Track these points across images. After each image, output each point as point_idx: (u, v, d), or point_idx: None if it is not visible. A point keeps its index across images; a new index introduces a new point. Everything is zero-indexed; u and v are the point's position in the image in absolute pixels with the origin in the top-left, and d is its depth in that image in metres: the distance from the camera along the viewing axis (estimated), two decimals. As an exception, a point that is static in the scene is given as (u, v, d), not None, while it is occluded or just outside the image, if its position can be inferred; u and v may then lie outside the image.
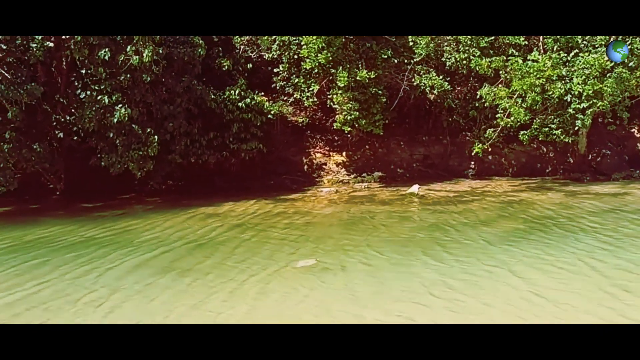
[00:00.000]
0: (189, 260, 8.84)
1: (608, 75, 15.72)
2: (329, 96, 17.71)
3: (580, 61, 16.10)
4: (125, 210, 14.08)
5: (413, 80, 17.80)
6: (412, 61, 17.76)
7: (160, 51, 14.43)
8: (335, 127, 17.97)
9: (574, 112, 16.20)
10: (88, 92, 14.32)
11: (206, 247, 9.73)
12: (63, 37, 14.23)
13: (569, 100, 16.27)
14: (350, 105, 16.89)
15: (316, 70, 17.08)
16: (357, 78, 16.39)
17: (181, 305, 6.67)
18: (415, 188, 15.83)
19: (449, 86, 17.77)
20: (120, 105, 14.09)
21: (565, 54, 16.51)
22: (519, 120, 16.31)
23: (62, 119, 15.20)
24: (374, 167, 19.19)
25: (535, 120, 16.91)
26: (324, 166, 19.24)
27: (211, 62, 17.18)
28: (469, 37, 17.07)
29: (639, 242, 9.08)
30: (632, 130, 20.23)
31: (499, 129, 17.28)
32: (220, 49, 17.66)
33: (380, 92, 16.97)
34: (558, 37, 16.59)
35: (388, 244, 9.59)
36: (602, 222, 10.89)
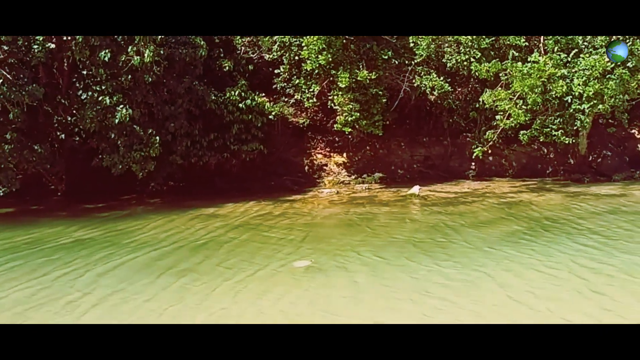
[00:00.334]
0: (189, 260, 8.88)
1: (608, 76, 15.72)
2: (329, 97, 17.74)
3: (580, 62, 16.11)
4: (127, 211, 14.12)
5: (414, 81, 17.80)
6: (412, 62, 17.76)
7: (162, 52, 14.44)
8: (335, 129, 18.00)
9: (574, 112, 16.20)
10: (89, 93, 14.33)
11: (206, 248, 9.77)
12: (64, 38, 14.26)
13: (569, 101, 16.28)
14: (351, 106, 16.92)
15: (317, 72, 17.11)
16: (358, 78, 16.42)
17: (173, 305, 6.74)
18: (416, 189, 15.85)
19: (449, 87, 17.77)
20: (121, 106, 14.11)
21: (566, 55, 16.52)
22: (519, 121, 16.31)
23: (64, 120, 15.24)
24: (375, 168, 19.19)
25: (535, 121, 16.92)
26: (324, 167, 19.26)
27: (212, 63, 17.20)
28: (470, 38, 17.08)
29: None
30: (633, 131, 20.21)
31: (499, 130, 17.28)
32: (221, 50, 17.67)
33: (380, 92, 16.99)
34: (559, 38, 16.59)
35: (387, 246, 9.61)
36: (602, 223, 10.88)
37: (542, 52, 17.03)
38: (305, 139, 19.72)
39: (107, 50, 13.86)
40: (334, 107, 17.70)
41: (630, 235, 9.70)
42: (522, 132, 17.15)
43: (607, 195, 14.53)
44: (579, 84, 15.84)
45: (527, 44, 17.44)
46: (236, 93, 16.46)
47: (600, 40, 16.14)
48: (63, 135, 15.46)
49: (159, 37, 14.29)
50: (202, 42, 15.68)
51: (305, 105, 18.47)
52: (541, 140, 17.52)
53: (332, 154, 19.62)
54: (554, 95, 16.13)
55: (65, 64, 15.31)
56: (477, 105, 18.18)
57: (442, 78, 17.71)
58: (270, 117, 17.58)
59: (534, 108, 16.35)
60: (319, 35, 16.13)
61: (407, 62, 17.83)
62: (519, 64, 16.34)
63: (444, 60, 17.92)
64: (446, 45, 17.99)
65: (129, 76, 14.33)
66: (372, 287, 7.30)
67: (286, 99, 19.22)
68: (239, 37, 18.43)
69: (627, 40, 15.56)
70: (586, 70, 15.85)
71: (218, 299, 6.95)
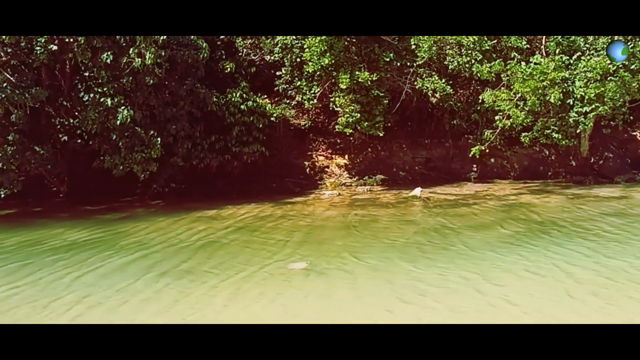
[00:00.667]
0: (189, 262, 8.90)
1: (609, 78, 15.69)
2: (331, 99, 17.75)
3: (582, 64, 16.08)
4: (129, 213, 14.14)
5: (415, 83, 17.80)
6: (414, 64, 17.78)
7: (163, 54, 14.46)
8: (337, 130, 18.00)
9: (576, 115, 16.17)
10: (91, 95, 14.36)
11: (207, 250, 9.78)
12: (66, 40, 14.30)
13: (571, 103, 16.25)
14: (352, 108, 16.92)
15: (318, 73, 17.12)
16: (359, 80, 16.43)
17: (173, 306, 6.80)
18: (417, 191, 15.84)
19: (451, 89, 17.76)
20: (122, 108, 14.14)
21: (568, 57, 16.49)
22: (518, 122, 16.27)
23: (66, 122, 15.27)
24: (377, 170, 19.18)
25: (537, 123, 16.89)
26: (326, 169, 19.25)
27: (214, 65, 17.22)
28: (472, 40, 17.06)
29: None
30: (635, 133, 20.18)
31: (498, 130, 17.26)
32: (223, 51, 17.71)
33: (382, 94, 16.99)
34: (560, 40, 16.57)
35: (387, 248, 9.61)
36: (602, 225, 10.87)
37: (544, 53, 17.01)
38: (307, 141, 19.73)
39: (109, 52, 13.90)
40: (336, 109, 17.70)
41: (631, 238, 9.68)
42: (523, 134, 17.12)
43: (608, 198, 14.50)
44: (580, 86, 15.82)
45: (528, 46, 17.43)
46: (238, 95, 16.48)
47: (602, 42, 16.11)
48: (65, 137, 15.49)
49: (161, 39, 14.32)
50: (204, 44, 15.71)
51: (306, 107, 18.46)
52: (542, 142, 17.49)
53: (333, 156, 19.62)
54: (551, 100, 16.08)
55: (67, 66, 15.34)
56: (479, 107, 18.17)
57: (443, 80, 17.71)
58: (271, 119, 17.60)
59: (534, 110, 16.31)
60: (321, 36, 16.13)
61: (408, 64, 17.84)
62: (522, 64, 16.33)
63: (445, 62, 17.92)
64: (448, 47, 17.98)
65: (130, 78, 14.36)
66: (372, 289, 7.30)
67: (288, 101, 19.24)
68: (240, 39, 18.47)
69: (629, 42, 15.53)
70: (587, 72, 15.82)
71: (217, 300, 6.97)
